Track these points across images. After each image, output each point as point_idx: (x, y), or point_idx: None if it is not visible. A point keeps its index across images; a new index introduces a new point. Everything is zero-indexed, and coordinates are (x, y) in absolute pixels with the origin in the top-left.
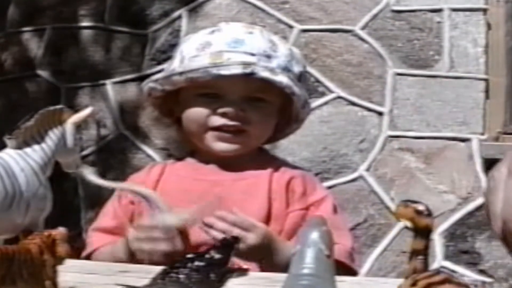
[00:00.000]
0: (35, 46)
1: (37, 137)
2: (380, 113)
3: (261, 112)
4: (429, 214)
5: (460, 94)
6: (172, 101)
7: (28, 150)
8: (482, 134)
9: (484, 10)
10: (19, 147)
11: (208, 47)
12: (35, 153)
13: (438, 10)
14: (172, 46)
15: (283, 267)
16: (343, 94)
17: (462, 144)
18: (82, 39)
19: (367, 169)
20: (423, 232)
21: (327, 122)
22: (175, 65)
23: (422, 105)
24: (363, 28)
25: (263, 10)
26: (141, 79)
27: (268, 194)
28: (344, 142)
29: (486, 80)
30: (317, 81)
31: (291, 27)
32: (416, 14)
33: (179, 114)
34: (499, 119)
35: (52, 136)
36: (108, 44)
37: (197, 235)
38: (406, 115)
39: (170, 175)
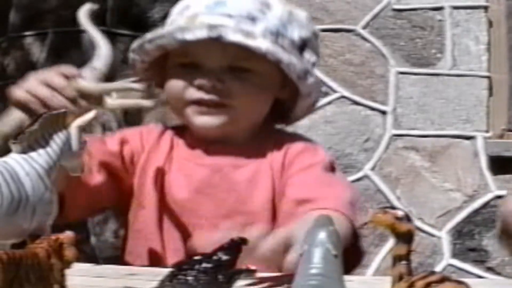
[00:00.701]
0: (37, 50)
1: (42, 141)
2: (383, 112)
3: (246, 83)
4: (409, 219)
5: (463, 92)
6: (159, 71)
7: (33, 154)
8: (487, 131)
9: (485, 8)
10: (24, 151)
11: (186, 10)
12: (40, 157)
13: (439, 8)
14: None
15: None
16: (346, 93)
17: (467, 141)
18: (84, 42)
19: (372, 168)
20: (404, 238)
21: (331, 122)
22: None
23: (425, 104)
24: (364, 27)
25: None
26: (144, 81)
27: (272, 181)
28: (348, 142)
29: (488, 77)
30: (320, 81)
31: None
32: (418, 12)
33: None
34: (503, 116)
35: (57, 140)
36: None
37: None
38: (410, 114)
39: (177, 155)
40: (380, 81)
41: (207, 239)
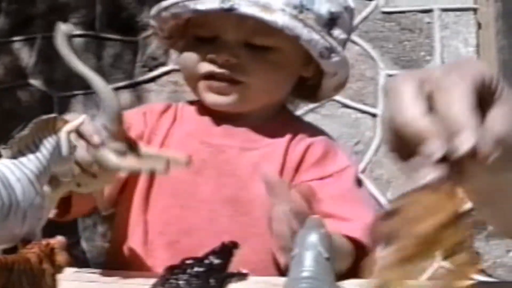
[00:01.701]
0: (26, 55)
1: (32, 147)
2: (373, 115)
3: (263, 61)
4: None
5: None
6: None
7: (23, 159)
8: None
9: (474, 10)
10: (14, 156)
11: None
12: (31, 163)
13: (428, 11)
14: (164, 52)
15: None
16: (336, 96)
17: None
18: (73, 47)
19: (363, 171)
20: None
21: (321, 125)
22: None
23: None
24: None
25: None
26: (133, 86)
27: (280, 169)
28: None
29: None
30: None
31: None
32: (406, 15)
33: None
34: None
35: (47, 145)
36: (99, 51)
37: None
38: None
39: (179, 129)
40: (369, 84)
41: (201, 226)
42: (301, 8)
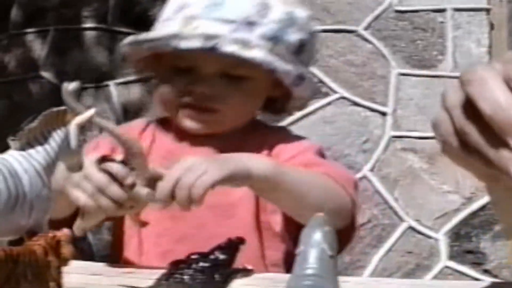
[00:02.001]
0: (38, 47)
1: (41, 139)
2: (383, 114)
3: (239, 90)
4: None
5: None
6: (154, 66)
7: (31, 151)
8: None
9: (487, 10)
10: (22, 148)
11: (183, 9)
12: (39, 155)
13: (441, 10)
14: None
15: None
16: (346, 94)
17: None
18: (85, 40)
19: (371, 170)
20: None
21: (331, 122)
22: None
23: (425, 105)
24: (366, 28)
25: None
26: (144, 80)
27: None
28: (347, 143)
29: None
30: (321, 81)
31: None
32: (419, 14)
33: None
34: None
35: (56, 138)
36: (111, 45)
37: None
38: (410, 115)
39: (158, 147)
40: (380, 82)
41: (192, 233)
42: (274, 40)
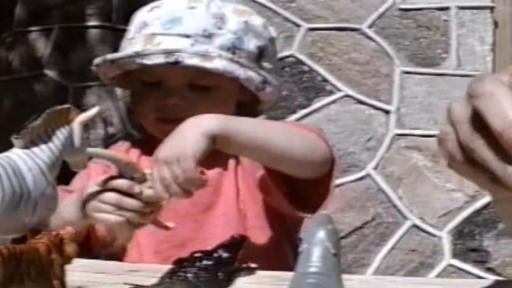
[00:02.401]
0: (42, 45)
1: (44, 137)
2: (387, 112)
3: (208, 99)
4: None
5: None
6: (124, 81)
7: (35, 149)
8: None
9: (491, 8)
10: (26, 146)
11: (144, 28)
12: (43, 153)
13: (445, 8)
14: None
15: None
16: (350, 92)
17: None
18: (89, 38)
19: (375, 168)
20: None
21: (335, 120)
22: (120, 48)
23: (429, 103)
24: (370, 26)
25: (269, 9)
26: None
27: (235, 187)
28: (351, 141)
29: None
30: (324, 79)
31: (298, 25)
32: (423, 12)
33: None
34: None
35: (60, 136)
36: (115, 43)
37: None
38: (414, 113)
39: (146, 161)
40: (384, 81)
41: (190, 236)
42: (233, 49)
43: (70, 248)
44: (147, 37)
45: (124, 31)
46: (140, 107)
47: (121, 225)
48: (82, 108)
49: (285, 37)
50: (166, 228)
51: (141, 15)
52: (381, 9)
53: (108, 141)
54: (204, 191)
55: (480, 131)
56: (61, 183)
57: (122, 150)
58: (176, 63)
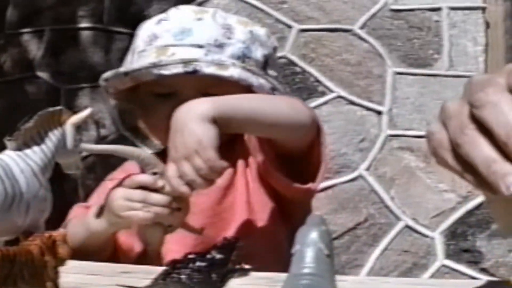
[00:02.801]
0: (34, 47)
1: (37, 139)
2: (379, 112)
3: None
4: None
5: (460, 93)
6: (131, 95)
7: (28, 151)
8: None
9: (483, 9)
10: (18, 148)
11: (155, 40)
12: (35, 155)
13: (437, 9)
14: None
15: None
16: (342, 93)
17: None
18: (81, 40)
19: (367, 169)
20: None
21: (327, 121)
22: (127, 60)
23: (422, 104)
24: (362, 27)
25: (261, 10)
26: None
27: (246, 188)
28: (344, 142)
29: None
30: (317, 80)
31: (289, 27)
32: (415, 13)
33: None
34: None
35: (52, 138)
36: (108, 45)
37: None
38: (406, 114)
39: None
40: (377, 82)
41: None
42: (243, 58)
43: (63, 250)
44: (159, 48)
45: (115, 32)
46: (152, 119)
47: (150, 221)
48: (74, 110)
49: (277, 38)
50: (198, 231)
51: (148, 28)
52: (373, 10)
53: (101, 143)
54: (219, 189)
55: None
56: (54, 184)
57: (133, 170)
58: (194, 72)
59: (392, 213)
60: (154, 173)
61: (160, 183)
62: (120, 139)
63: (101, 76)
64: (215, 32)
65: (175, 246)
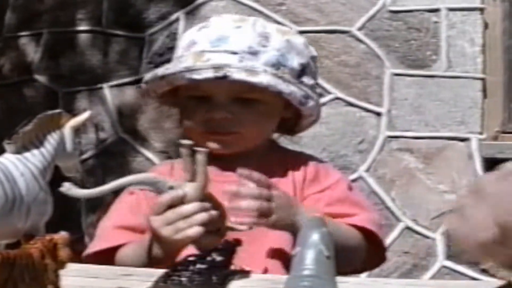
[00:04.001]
0: (32, 50)
1: (36, 142)
2: (378, 114)
3: (252, 112)
4: None
5: (458, 94)
6: (172, 98)
7: (27, 154)
8: (481, 133)
9: (481, 10)
10: (18, 152)
11: (193, 46)
12: (35, 158)
13: (435, 10)
14: (170, 49)
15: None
16: (341, 95)
17: (461, 143)
18: (79, 43)
19: (367, 170)
20: None
21: (326, 123)
22: (167, 65)
23: (420, 105)
24: (360, 29)
25: (260, 12)
26: (139, 82)
27: (293, 193)
28: (343, 143)
29: (483, 79)
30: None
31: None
32: (413, 14)
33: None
34: (498, 118)
35: (51, 141)
36: (106, 47)
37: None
38: (405, 115)
39: (179, 176)
40: (375, 83)
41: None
42: (278, 66)
43: (63, 253)
44: (196, 54)
45: (114, 35)
46: (188, 121)
47: (201, 232)
48: (72, 113)
49: None
50: (243, 228)
51: (189, 35)
52: (371, 12)
53: (100, 146)
54: None
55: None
56: (54, 187)
57: (166, 170)
58: (224, 77)
59: (392, 215)
60: (170, 188)
61: (180, 192)
62: (119, 142)
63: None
64: (251, 40)
65: None
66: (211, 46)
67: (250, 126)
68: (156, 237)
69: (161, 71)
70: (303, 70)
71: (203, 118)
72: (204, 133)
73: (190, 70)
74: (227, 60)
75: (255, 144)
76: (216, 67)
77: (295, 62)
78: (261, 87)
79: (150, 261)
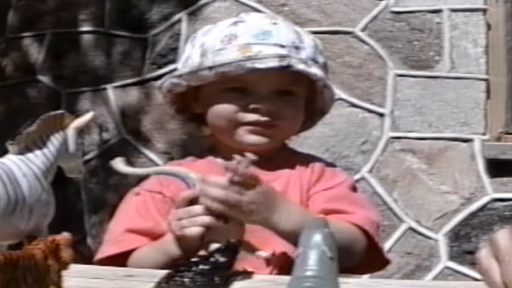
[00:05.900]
0: (35, 51)
1: (39, 143)
2: (381, 115)
3: (292, 106)
4: None
5: (461, 95)
6: (191, 97)
7: (30, 155)
8: (484, 134)
9: (484, 10)
10: (21, 152)
11: (235, 39)
12: (37, 159)
13: (438, 11)
14: (173, 49)
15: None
16: (344, 96)
17: (464, 144)
18: (82, 44)
19: (370, 171)
20: None
21: (329, 124)
22: (195, 59)
23: (423, 106)
24: (363, 29)
25: (263, 13)
26: (142, 83)
27: (300, 193)
28: (346, 144)
29: (486, 80)
30: None
31: None
32: (416, 15)
33: (199, 110)
34: (501, 119)
35: (54, 141)
36: (109, 48)
37: None
38: (408, 116)
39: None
40: (378, 84)
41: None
42: (316, 61)
43: (66, 254)
44: (242, 46)
45: (116, 36)
46: (222, 115)
47: (199, 233)
48: (75, 114)
49: None
50: (255, 251)
51: (222, 30)
52: (374, 12)
53: (103, 146)
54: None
55: None
56: (56, 188)
57: (188, 165)
58: (288, 67)
59: (395, 215)
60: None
61: (197, 191)
62: (122, 143)
63: (166, 76)
64: (291, 35)
65: None
66: (256, 39)
67: (288, 119)
68: (170, 231)
69: (209, 62)
70: (326, 68)
71: (243, 109)
72: (242, 124)
73: (251, 59)
74: (279, 52)
75: (285, 139)
76: (281, 56)
77: (321, 60)
78: (311, 80)
79: (167, 261)
